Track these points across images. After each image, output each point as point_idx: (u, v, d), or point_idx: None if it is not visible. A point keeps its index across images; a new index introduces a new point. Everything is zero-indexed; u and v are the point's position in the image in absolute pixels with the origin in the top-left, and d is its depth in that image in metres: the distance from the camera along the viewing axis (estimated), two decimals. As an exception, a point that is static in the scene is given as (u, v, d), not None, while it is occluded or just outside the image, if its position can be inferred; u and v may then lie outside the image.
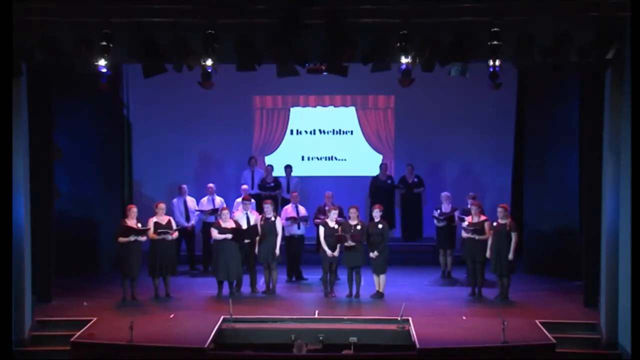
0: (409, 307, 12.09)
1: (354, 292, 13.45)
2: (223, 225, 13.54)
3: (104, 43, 11.06)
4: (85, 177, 15.43)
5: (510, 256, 13.04)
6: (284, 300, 13.47)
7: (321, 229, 13.56)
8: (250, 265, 13.96)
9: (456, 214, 14.86)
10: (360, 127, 17.70)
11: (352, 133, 17.77)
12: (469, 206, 14.21)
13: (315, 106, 17.73)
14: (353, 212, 13.42)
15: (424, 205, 16.96)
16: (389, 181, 16.89)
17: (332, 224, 13.55)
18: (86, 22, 11.18)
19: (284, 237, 14.20)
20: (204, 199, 15.62)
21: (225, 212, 13.76)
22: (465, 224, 13.70)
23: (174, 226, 13.59)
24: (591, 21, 11.00)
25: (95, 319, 11.94)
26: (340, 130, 17.78)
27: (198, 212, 15.62)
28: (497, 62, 11.09)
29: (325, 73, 12.43)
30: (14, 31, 10.61)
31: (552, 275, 14.81)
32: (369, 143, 17.71)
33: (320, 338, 11.51)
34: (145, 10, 11.18)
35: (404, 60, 11.10)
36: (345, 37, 11.11)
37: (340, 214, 14.03)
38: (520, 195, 16.23)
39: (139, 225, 13.19)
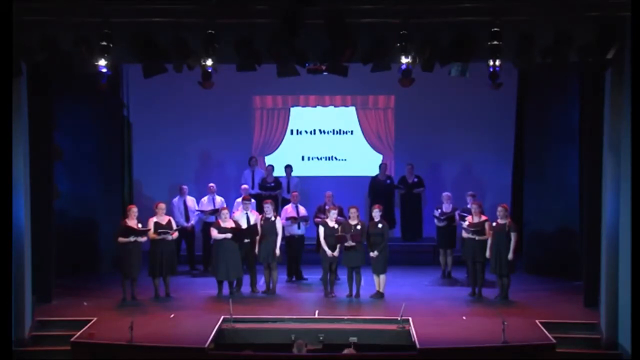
0: (409, 307, 12.09)
1: (354, 292, 13.45)
2: (222, 225, 13.54)
3: (104, 43, 11.06)
4: (85, 177, 15.43)
5: (510, 256, 13.04)
6: (284, 300, 13.46)
7: (321, 229, 13.56)
8: (250, 265, 13.96)
9: (457, 212, 14.86)
10: (360, 127, 17.70)
11: (352, 133, 17.78)
12: (468, 205, 14.23)
13: (315, 106, 17.73)
14: (353, 212, 13.42)
15: (424, 205, 16.96)
16: (388, 181, 16.88)
17: (332, 223, 13.55)
18: (86, 22, 11.18)
19: (284, 237, 14.20)
20: (205, 199, 15.62)
21: (225, 211, 13.77)
22: (465, 224, 13.70)
23: (174, 226, 13.60)
24: (591, 21, 11.00)
25: (95, 319, 11.94)
26: (340, 130, 17.79)
27: (198, 212, 15.62)
28: (497, 62, 11.08)
29: (325, 73, 12.43)
30: (14, 31, 10.61)
31: (552, 275, 14.81)
32: (369, 143, 17.71)
33: (320, 338, 11.51)
34: (145, 10, 11.18)
35: (404, 60, 11.10)
36: (345, 37, 11.11)
37: (340, 214, 14.04)
38: (521, 195, 16.23)
39: (139, 225, 13.19)
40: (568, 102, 14.54)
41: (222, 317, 11.89)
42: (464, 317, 12.23)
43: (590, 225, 12.37)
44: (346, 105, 17.73)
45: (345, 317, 12.11)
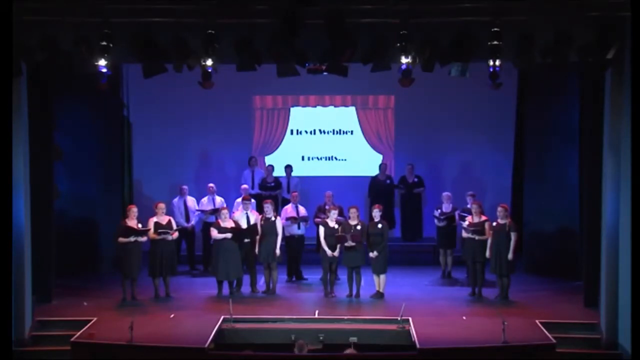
0: (409, 307, 12.09)
1: (354, 292, 13.45)
2: (222, 224, 13.55)
3: (104, 43, 11.07)
4: (85, 177, 15.43)
5: (510, 256, 13.04)
6: (284, 300, 13.46)
7: (321, 229, 13.56)
8: (250, 265, 13.96)
9: (457, 212, 14.86)
10: (360, 127, 17.70)
11: (352, 133, 17.78)
12: (468, 205, 14.24)
13: (315, 106, 17.73)
14: (353, 212, 13.42)
15: (424, 205, 16.96)
16: (388, 181, 16.88)
17: (332, 223, 13.55)
18: (86, 22, 11.18)
19: (284, 237, 14.20)
20: (204, 199, 15.62)
21: (225, 211, 13.77)
22: (465, 224, 13.70)
23: (174, 226, 13.60)
24: (591, 21, 11.01)
25: (95, 319, 11.94)
26: (340, 130, 17.79)
27: (198, 212, 15.62)
28: (497, 62, 11.09)
29: (325, 73, 12.43)
30: (14, 31, 10.61)
31: (552, 275, 14.80)
32: (369, 143, 17.71)
33: (321, 338, 11.51)
34: (145, 10, 11.19)
35: (404, 60, 11.11)
36: (345, 37, 11.11)
37: (340, 214, 14.04)
38: (521, 195, 16.23)
39: (139, 225, 13.19)
40: (568, 102, 14.53)
41: (222, 317, 11.88)
42: (464, 317, 12.23)
43: (590, 225, 12.37)
44: (346, 105, 17.73)
45: (345, 317, 12.11)
